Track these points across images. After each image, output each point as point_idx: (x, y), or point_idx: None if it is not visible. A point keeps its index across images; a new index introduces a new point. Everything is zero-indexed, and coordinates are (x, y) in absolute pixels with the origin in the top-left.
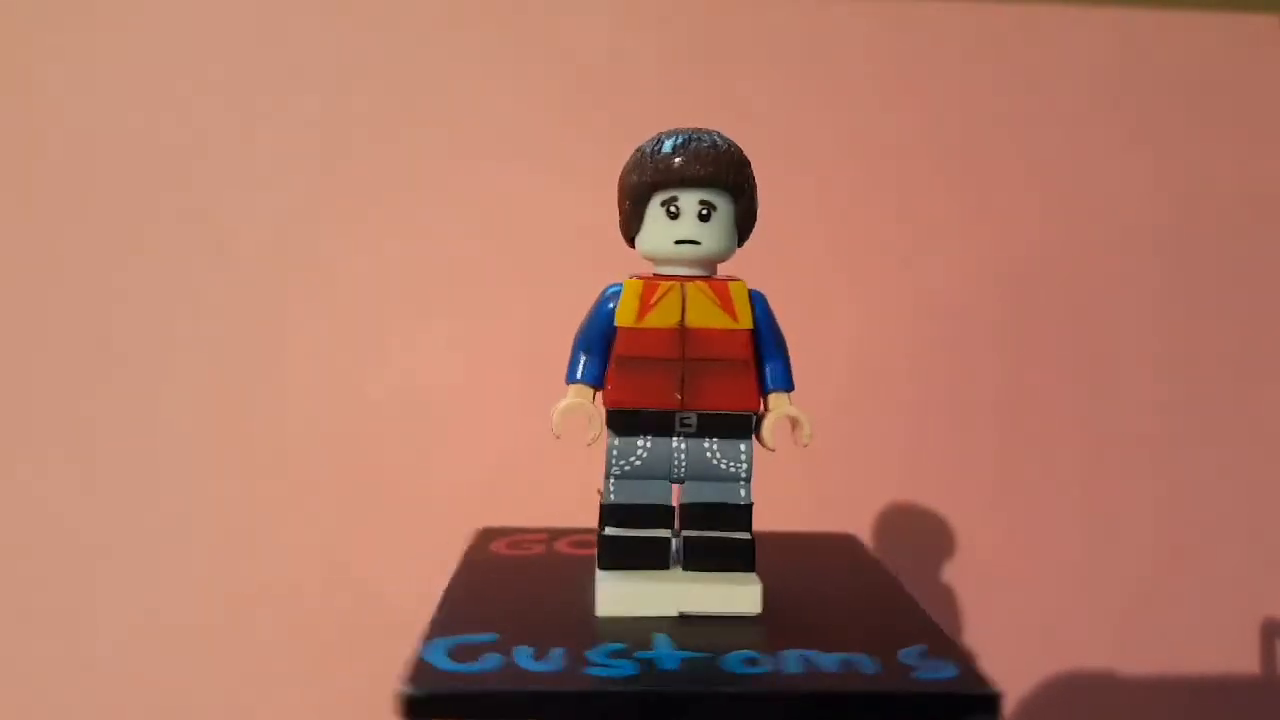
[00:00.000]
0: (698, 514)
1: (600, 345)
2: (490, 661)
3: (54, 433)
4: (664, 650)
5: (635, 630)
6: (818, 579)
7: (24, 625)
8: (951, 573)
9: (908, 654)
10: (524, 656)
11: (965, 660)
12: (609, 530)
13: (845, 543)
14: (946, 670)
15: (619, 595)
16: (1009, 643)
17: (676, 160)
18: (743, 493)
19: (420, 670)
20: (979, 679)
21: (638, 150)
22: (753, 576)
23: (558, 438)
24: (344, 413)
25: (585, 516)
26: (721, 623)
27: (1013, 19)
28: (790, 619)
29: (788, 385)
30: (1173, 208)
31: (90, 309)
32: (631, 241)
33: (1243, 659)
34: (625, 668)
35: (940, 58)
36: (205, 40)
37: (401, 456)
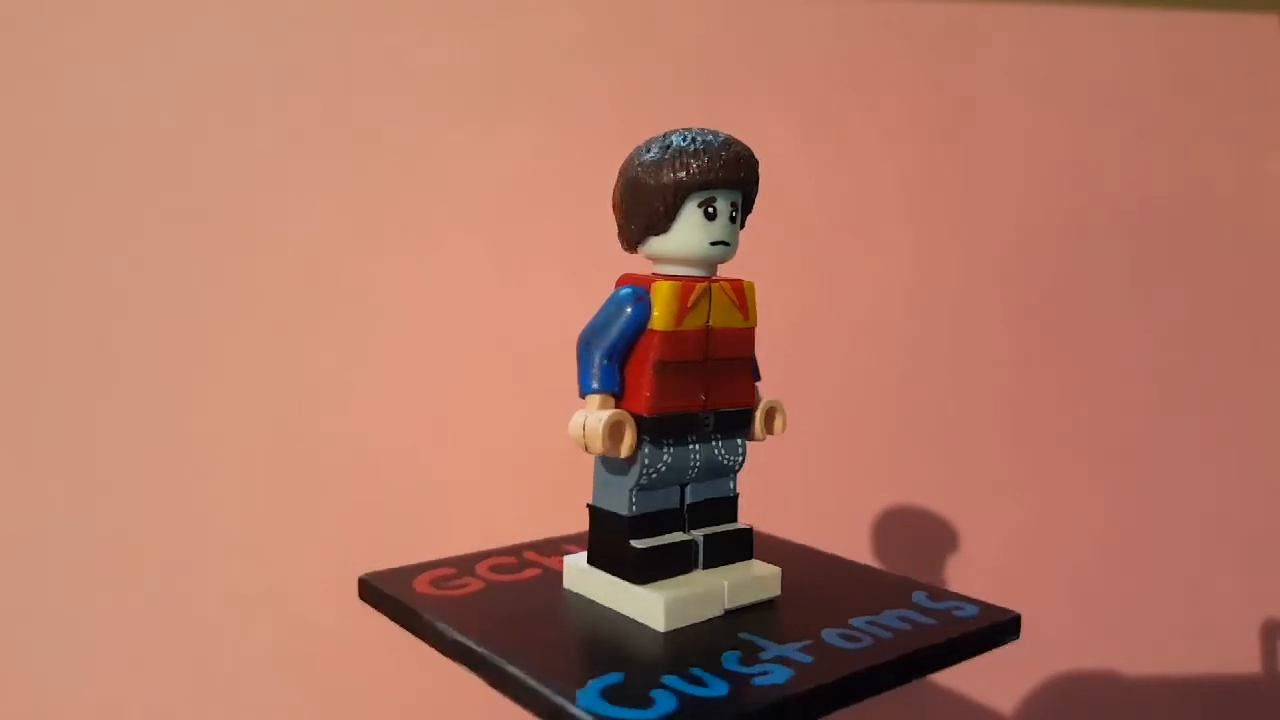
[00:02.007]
0: (701, 511)
1: (623, 351)
2: (666, 701)
3: (54, 435)
4: (774, 646)
5: (702, 635)
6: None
7: (24, 626)
8: (952, 573)
9: (921, 599)
10: (685, 685)
11: (962, 597)
12: (637, 543)
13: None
14: (967, 608)
15: (678, 608)
16: (1008, 644)
17: (720, 161)
18: (731, 485)
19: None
20: (998, 609)
21: (658, 148)
22: (762, 563)
23: (601, 453)
24: (343, 416)
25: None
26: (757, 609)
27: (1013, 19)
28: (798, 598)
29: (758, 377)
30: (1173, 206)
31: (88, 312)
32: (635, 243)
33: (1243, 659)
34: (778, 672)
35: (940, 59)
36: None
37: (401, 462)
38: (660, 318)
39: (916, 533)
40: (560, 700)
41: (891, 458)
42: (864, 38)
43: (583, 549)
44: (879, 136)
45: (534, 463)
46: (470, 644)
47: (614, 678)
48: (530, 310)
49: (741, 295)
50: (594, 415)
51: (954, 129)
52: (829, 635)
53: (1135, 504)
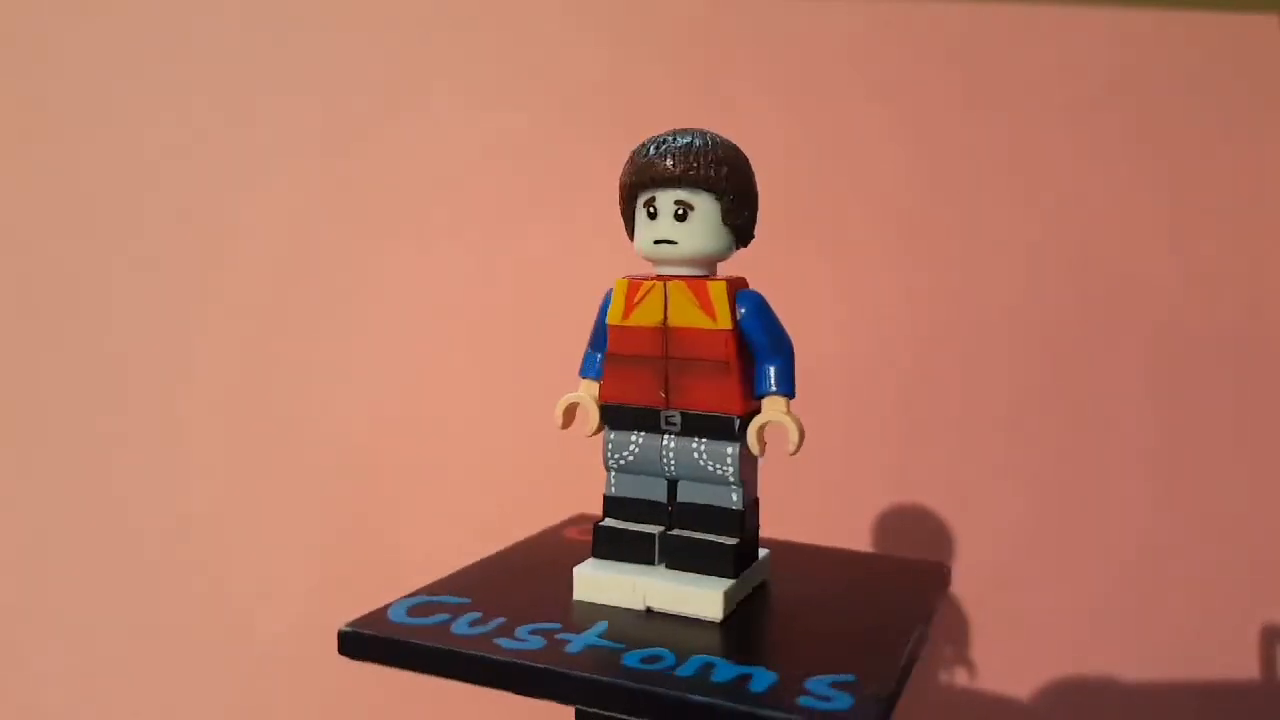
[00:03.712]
0: (687, 514)
1: (601, 342)
2: (434, 620)
3: (49, 437)
4: (587, 636)
5: (591, 614)
6: (838, 597)
7: (23, 627)
8: (952, 574)
9: (820, 681)
10: (467, 620)
11: (875, 702)
12: (604, 521)
13: (922, 570)
14: (839, 701)
15: (594, 583)
16: (1009, 644)
17: (652, 161)
18: (734, 497)
19: (373, 617)
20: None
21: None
22: (724, 582)
23: (562, 429)
24: (340, 415)
25: None
26: (682, 622)
27: (1013, 19)
28: (755, 628)
29: (782, 390)
30: (1173, 207)
31: (82, 311)
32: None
33: (1242, 661)
34: (533, 643)
35: (939, 59)
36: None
37: (418, 458)
38: (611, 312)
39: (921, 533)
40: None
41: (896, 457)
42: (864, 34)
43: None
44: (881, 135)
45: (532, 458)
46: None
47: (458, 600)
48: (526, 306)
49: (704, 295)
50: (563, 397)
51: (955, 128)
52: (635, 654)
53: (1138, 504)
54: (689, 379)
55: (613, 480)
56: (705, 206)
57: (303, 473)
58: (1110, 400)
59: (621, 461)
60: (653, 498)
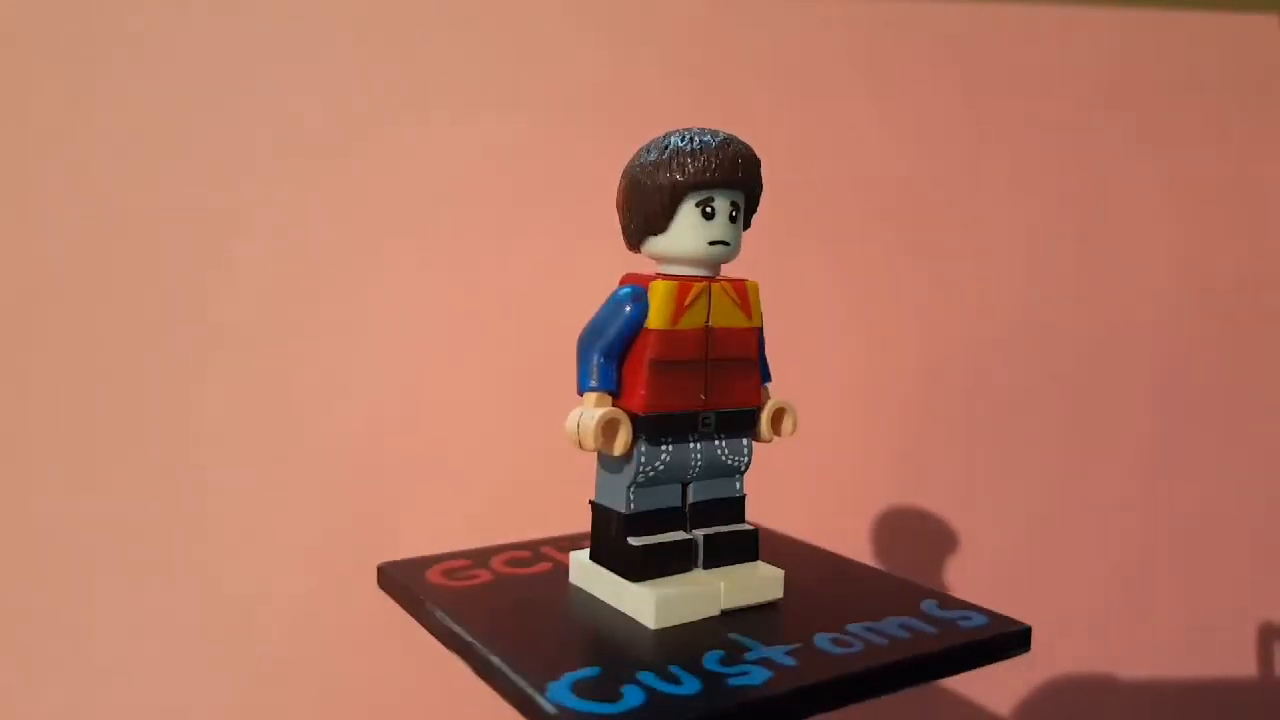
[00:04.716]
0: (703, 510)
1: (620, 350)
2: (634, 696)
3: (50, 435)
4: (761, 647)
5: (693, 634)
6: (788, 558)
7: (25, 625)
8: (952, 575)
9: (930, 607)
10: (658, 683)
11: (974, 606)
12: (634, 540)
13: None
14: (976, 618)
15: (669, 606)
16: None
17: (717, 161)
18: (738, 485)
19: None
20: (1006, 619)
21: (657, 149)
22: (766, 565)
23: (595, 451)
24: (343, 416)
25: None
26: (756, 611)
27: (1013, 19)
28: (800, 601)
29: (768, 378)
30: (1172, 207)
31: (81, 309)
32: (637, 242)
33: (1242, 661)
34: (756, 673)
35: (939, 59)
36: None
37: (419, 459)
38: (656, 317)
39: (923, 533)
40: (531, 691)
41: (903, 459)
42: (864, 34)
43: None
44: (881, 135)
45: (535, 460)
46: (462, 633)
47: (590, 672)
48: (527, 306)
49: (744, 295)
50: (588, 413)
51: (955, 127)
52: (821, 640)
53: (1138, 505)
54: (724, 378)
55: (632, 497)
56: (744, 207)
57: (303, 473)
58: (1110, 399)
59: (650, 474)
60: (672, 505)
